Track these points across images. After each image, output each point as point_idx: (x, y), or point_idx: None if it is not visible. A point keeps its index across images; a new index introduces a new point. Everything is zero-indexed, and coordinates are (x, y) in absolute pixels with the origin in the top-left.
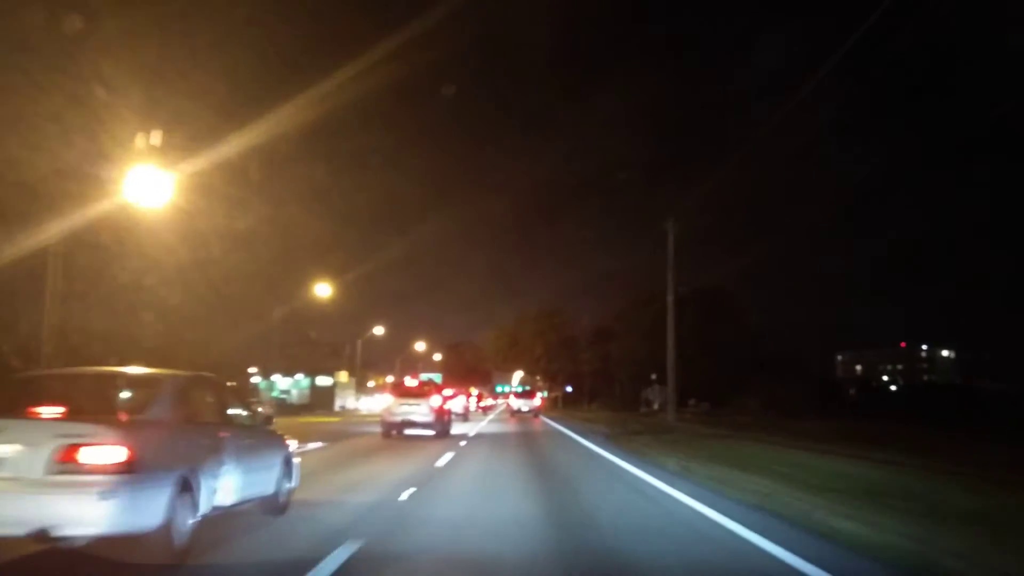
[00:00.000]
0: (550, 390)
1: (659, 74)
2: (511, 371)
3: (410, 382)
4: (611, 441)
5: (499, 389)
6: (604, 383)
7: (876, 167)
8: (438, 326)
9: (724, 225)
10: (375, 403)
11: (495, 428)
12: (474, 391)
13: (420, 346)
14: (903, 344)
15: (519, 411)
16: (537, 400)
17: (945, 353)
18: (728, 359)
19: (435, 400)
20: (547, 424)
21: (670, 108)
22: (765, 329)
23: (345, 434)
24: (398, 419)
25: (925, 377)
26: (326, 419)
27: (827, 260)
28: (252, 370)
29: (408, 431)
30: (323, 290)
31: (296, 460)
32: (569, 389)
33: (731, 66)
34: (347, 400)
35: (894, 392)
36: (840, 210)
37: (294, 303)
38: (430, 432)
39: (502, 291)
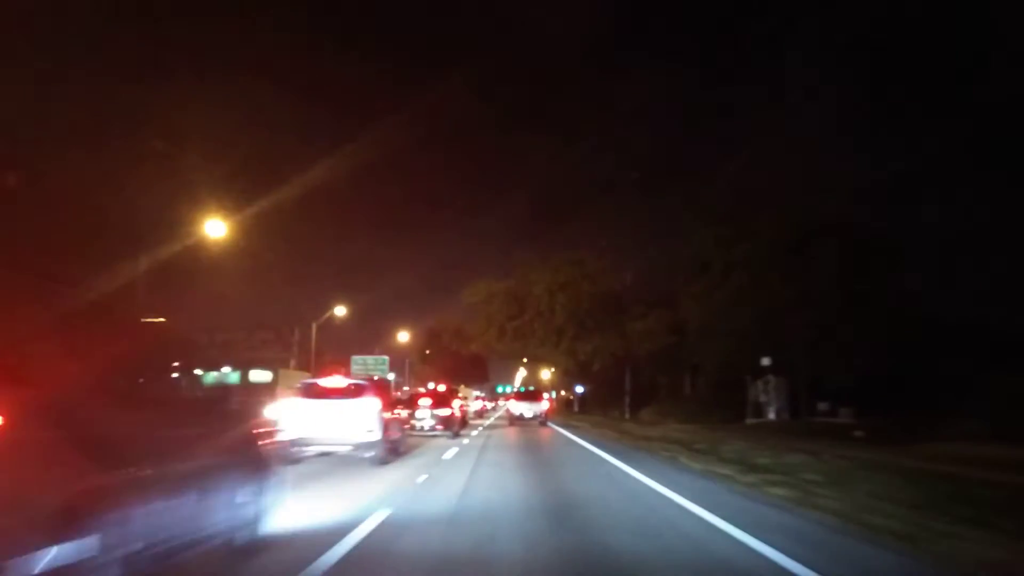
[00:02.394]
0: (562, 389)
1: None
2: (517, 360)
3: None
4: None
5: (500, 389)
6: (669, 376)
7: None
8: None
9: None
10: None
11: (460, 481)
12: (440, 388)
13: (404, 336)
14: None
15: (521, 417)
16: (544, 403)
17: None
18: (881, 333)
19: None
20: (601, 463)
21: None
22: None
23: None
24: None
25: None
26: None
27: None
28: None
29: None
30: (216, 228)
31: None
32: (580, 389)
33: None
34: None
35: None
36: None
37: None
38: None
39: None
